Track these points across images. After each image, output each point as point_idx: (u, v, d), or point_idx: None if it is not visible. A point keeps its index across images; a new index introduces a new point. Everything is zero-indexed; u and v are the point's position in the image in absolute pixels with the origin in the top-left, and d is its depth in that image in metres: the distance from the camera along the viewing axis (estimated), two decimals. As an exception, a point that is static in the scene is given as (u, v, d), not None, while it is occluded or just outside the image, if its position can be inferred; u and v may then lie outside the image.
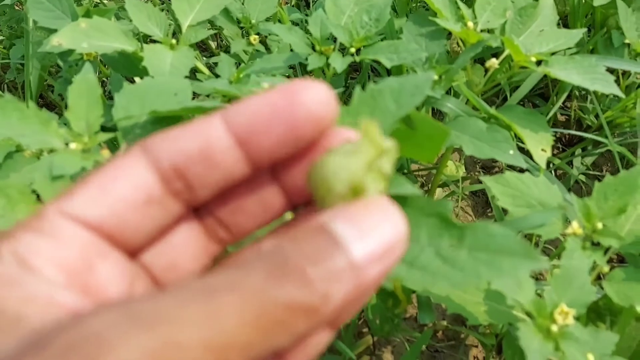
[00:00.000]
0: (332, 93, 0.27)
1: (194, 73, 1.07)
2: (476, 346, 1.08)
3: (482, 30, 0.94)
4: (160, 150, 0.26)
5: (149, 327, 0.20)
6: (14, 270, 0.23)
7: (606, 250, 0.78)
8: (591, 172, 1.34)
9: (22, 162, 0.78)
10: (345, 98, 1.25)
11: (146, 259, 0.29)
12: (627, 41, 1.16)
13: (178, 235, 0.29)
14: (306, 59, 0.91)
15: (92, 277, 0.25)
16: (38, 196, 0.60)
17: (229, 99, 0.81)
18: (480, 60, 1.25)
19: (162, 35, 0.90)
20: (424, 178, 1.33)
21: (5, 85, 1.47)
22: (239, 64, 1.00)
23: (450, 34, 1.03)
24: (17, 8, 1.46)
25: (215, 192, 0.28)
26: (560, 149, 1.40)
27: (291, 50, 0.95)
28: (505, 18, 0.94)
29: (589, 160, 1.35)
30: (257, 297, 0.21)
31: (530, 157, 0.94)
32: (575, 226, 0.77)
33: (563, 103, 1.37)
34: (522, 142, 0.91)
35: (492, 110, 0.88)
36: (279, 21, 1.22)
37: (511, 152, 0.83)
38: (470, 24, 0.92)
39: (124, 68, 0.94)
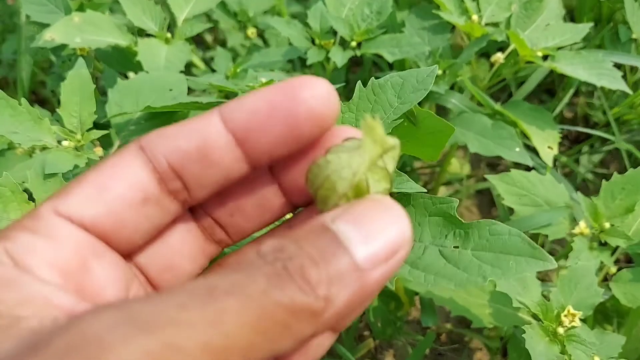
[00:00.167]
0: (333, 90, 0.26)
1: (189, 68, 1.05)
2: (480, 349, 1.07)
3: (487, 24, 0.92)
4: (156, 149, 0.26)
5: (149, 329, 0.20)
6: (9, 271, 0.23)
7: (613, 250, 0.77)
8: (598, 170, 1.32)
9: (14, 160, 0.78)
10: (346, 93, 1.24)
11: (142, 259, 0.29)
12: (634, 36, 1.15)
13: (175, 236, 0.29)
14: (305, 53, 0.89)
15: (87, 278, 0.25)
16: (30, 195, 0.59)
17: (225, 94, 0.79)
18: (485, 54, 1.23)
19: (157, 29, 0.88)
20: (428, 176, 1.32)
21: (-2, 81, 1.46)
22: (236, 59, 0.99)
23: (453, 27, 1.02)
24: (9, 2, 1.45)
25: (212, 192, 0.28)
26: (567, 147, 1.39)
27: (290, 44, 0.94)
28: (511, 11, 0.93)
29: (596, 157, 1.34)
30: (258, 299, 0.21)
31: (536, 154, 0.93)
32: (582, 226, 0.76)
33: (570, 99, 1.35)
34: (528, 139, 0.90)
35: (498, 107, 0.86)
36: (278, 14, 1.20)
37: (517, 149, 0.82)
38: (474, 17, 0.90)
39: (117, 63, 0.92)
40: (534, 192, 0.79)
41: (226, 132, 0.26)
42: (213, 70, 0.93)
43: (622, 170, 0.90)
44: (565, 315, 0.65)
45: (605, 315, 0.83)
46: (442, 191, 1.26)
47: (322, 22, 0.90)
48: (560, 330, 0.65)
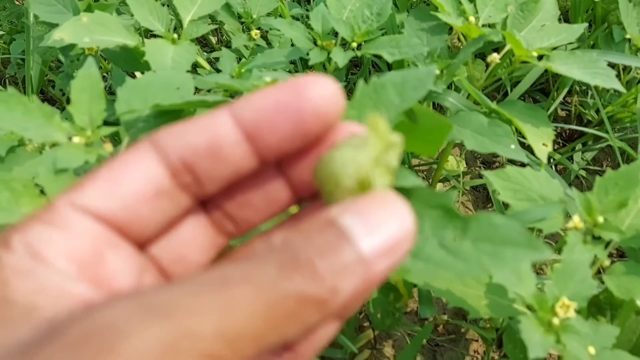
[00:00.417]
0: (338, 87, 0.27)
1: (194, 68, 1.07)
2: (476, 340, 1.08)
3: (483, 25, 0.94)
4: (169, 144, 0.27)
5: (163, 317, 0.20)
6: (26, 261, 0.24)
7: (607, 244, 0.78)
8: (591, 167, 1.34)
9: (25, 157, 0.78)
10: (346, 93, 1.25)
11: (155, 251, 0.29)
12: (627, 36, 1.17)
13: (186, 228, 0.30)
14: (307, 53, 0.91)
15: (102, 269, 0.25)
16: (42, 190, 0.60)
17: (231, 93, 0.81)
18: (481, 55, 1.25)
19: (164, 30, 0.90)
20: (425, 173, 1.33)
21: (6, 81, 1.47)
22: (240, 59, 1.00)
23: (451, 28, 1.03)
24: (17, 3, 1.46)
25: (223, 186, 0.28)
26: (561, 144, 1.41)
27: (292, 45, 0.95)
28: (507, 13, 0.95)
29: (589, 155, 1.35)
30: (268, 289, 0.22)
31: (531, 152, 0.94)
32: (576, 220, 0.77)
33: (564, 98, 1.37)
34: (523, 137, 0.91)
35: (494, 105, 0.88)
36: (280, 16, 1.21)
37: (512, 146, 0.83)
38: (471, 18, 0.92)
39: (125, 63, 0.94)
40: (529, 188, 0.81)
41: (236, 129, 0.27)
42: (218, 71, 0.95)
43: (615, 167, 0.92)
44: (560, 307, 0.65)
45: (598, 307, 0.83)
46: (439, 187, 1.28)
47: (323, 24, 0.91)
48: (555, 321, 0.65)
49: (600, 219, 0.77)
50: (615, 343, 0.68)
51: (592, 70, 0.85)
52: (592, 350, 0.65)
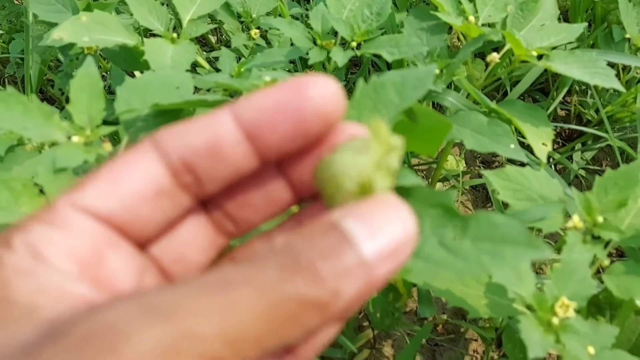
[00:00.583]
0: (339, 87, 0.27)
1: (194, 68, 1.07)
2: (476, 340, 1.08)
3: (483, 25, 0.94)
4: (169, 144, 0.27)
5: (165, 318, 0.20)
6: (27, 261, 0.24)
7: (606, 243, 0.78)
8: (591, 167, 1.34)
9: (24, 156, 0.78)
10: (345, 93, 1.25)
11: (155, 251, 0.29)
12: (627, 36, 1.17)
13: (186, 228, 0.30)
14: (307, 53, 0.91)
15: (102, 269, 0.26)
16: (41, 189, 0.60)
17: (230, 93, 0.81)
18: (480, 54, 1.25)
19: (163, 29, 0.90)
20: (424, 172, 1.33)
21: (5, 80, 1.47)
22: (240, 59, 1.00)
23: (450, 28, 1.03)
24: (16, 2, 1.46)
25: (223, 186, 0.28)
26: (560, 144, 1.41)
27: (292, 44, 0.95)
28: (507, 12, 0.95)
29: (588, 155, 1.35)
30: (270, 291, 0.22)
31: (530, 152, 0.94)
32: (576, 220, 0.77)
33: (563, 98, 1.37)
34: (523, 137, 0.91)
35: (493, 105, 0.88)
36: (280, 15, 1.21)
37: (512, 146, 0.83)
38: (471, 18, 0.92)
39: (124, 62, 0.94)
40: (529, 187, 0.81)
41: (236, 129, 0.27)
42: (217, 70, 0.95)
43: (614, 167, 0.92)
44: (559, 306, 0.65)
45: (598, 307, 0.83)
46: (438, 187, 1.28)
47: (323, 23, 0.91)
48: (555, 320, 0.65)
49: (600, 219, 0.77)
50: (614, 343, 0.68)
51: (591, 69, 0.85)
52: (591, 350, 0.65)
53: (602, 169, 1.34)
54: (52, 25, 0.91)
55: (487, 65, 0.95)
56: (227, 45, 1.35)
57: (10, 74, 1.46)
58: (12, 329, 0.22)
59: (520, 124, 0.87)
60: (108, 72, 1.26)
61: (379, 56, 1.02)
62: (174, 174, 0.27)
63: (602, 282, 0.78)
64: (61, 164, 0.62)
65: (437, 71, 0.89)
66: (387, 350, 1.05)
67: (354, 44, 0.91)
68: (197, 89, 0.89)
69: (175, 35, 0.89)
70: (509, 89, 1.31)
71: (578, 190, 0.80)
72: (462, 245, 0.30)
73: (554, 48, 0.92)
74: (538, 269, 1.13)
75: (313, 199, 0.31)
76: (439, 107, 1.31)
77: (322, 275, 0.22)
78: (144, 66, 0.86)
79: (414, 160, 1.26)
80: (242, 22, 1.18)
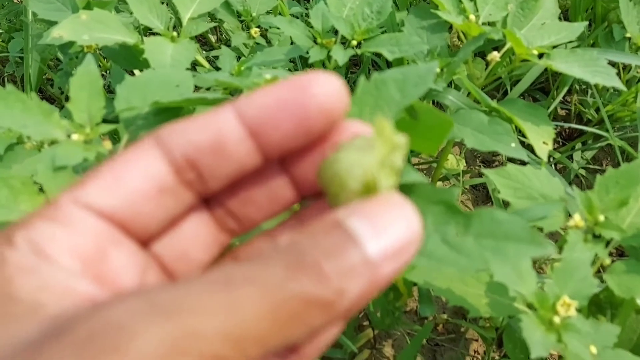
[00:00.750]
0: (342, 85, 0.27)
1: (194, 67, 1.06)
2: (476, 340, 1.08)
3: (483, 23, 0.94)
4: (172, 141, 0.27)
5: (169, 316, 0.20)
6: (30, 258, 0.24)
7: (607, 242, 0.78)
8: (591, 166, 1.34)
9: (23, 155, 0.78)
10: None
11: (157, 248, 0.29)
12: (628, 35, 1.17)
13: (189, 226, 0.30)
14: (307, 52, 0.91)
15: (105, 266, 0.25)
16: (40, 187, 0.60)
17: (230, 91, 0.81)
18: (480, 54, 1.25)
19: (163, 27, 0.89)
20: (425, 172, 1.33)
21: (5, 79, 1.47)
22: (240, 58, 1.00)
23: (451, 27, 1.03)
24: (15, 1, 1.46)
25: (226, 183, 0.28)
26: (561, 143, 1.41)
27: (292, 43, 0.95)
28: (507, 11, 0.94)
29: (589, 154, 1.35)
30: (274, 290, 0.21)
31: (530, 151, 0.94)
32: (577, 219, 0.77)
33: (563, 97, 1.37)
34: (523, 136, 0.91)
35: (494, 103, 0.87)
36: (280, 14, 1.21)
37: (513, 144, 0.83)
38: (472, 16, 0.92)
39: (124, 60, 0.93)
40: (530, 186, 0.80)
41: (240, 126, 0.26)
42: (217, 69, 0.95)
43: (614, 166, 0.91)
44: (561, 305, 0.65)
45: (599, 307, 0.83)
46: (439, 186, 1.28)
47: (323, 22, 0.91)
48: (556, 319, 0.65)
49: (601, 218, 0.77)
50: (616, 342, 0.67)
51: (592, 68, 0.85)
52: (593, 349, 0.64)
53: (603, 169, 1.34)
54: (52, 23, 0.91)
55: (487, 64, 0.95)
56: (227, 44, 1.35)
57: (9, 73, 1.46)
58: (16, 326, 0.21)
59: (521, 123, 0.87)
60: (108, 71, 1.26)
61: (379, 55, 1.02)
62: (176, 171, 0.27)
63: (602, 281, 0.78)
64: (61, 162, 0.62)
65: (438, 70, 0.89)
66: (388, 350, 1.05)
67: (354, 42, 0.91)
68: (196, 88, 0.89)
69: (175, 33, 0.89)
70: (509, 88, 1.31)
71: (579, 189, 0.80)
72: (465, 242, 0.30)
73: (554, 47, 0.92)
74: (538, 268, 1.13)
75: (315, 197, 0.31)
76: (439, 106, 1.30)
77: (327, 274, 0.22)
78: (144, 65, 0.85)
79: (414, 160, 1.26)
80: (242, 21, 1.18)
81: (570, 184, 1.17)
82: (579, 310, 0.66)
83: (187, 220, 0.29)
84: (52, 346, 0.20)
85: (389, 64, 1.21)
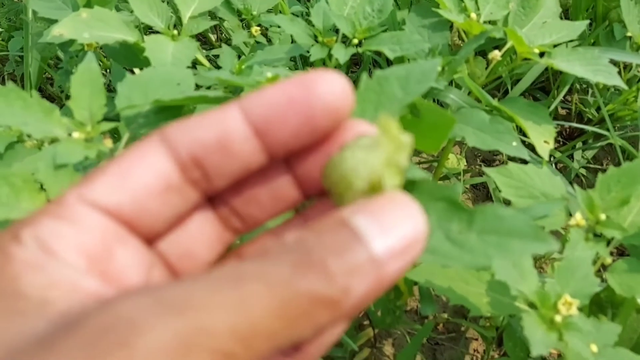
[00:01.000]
0: (347, 84, 0.27)
1: (194, 65, 1.06)
2: (476, 339, 1.08)
3: (485, 22, 0.93)
4: (178, 139, 0.27)
5: (179, 312, 0.20)
6: (36, 255, 0.24)
7: (609, 241, 0.78)
8: (592, 166, 1.34)
9: (24, 153, 0.78)
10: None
11: (162, 246, 0.29)
12: (628, 34, 1.17)
13: (194, 224, 0.30)
14: (308, 50, 0.91)
15: (111, 263, 0.26)
16: (41, 185, 0.60)
17: (231, 90, 0.81)
18: (481, 53, 1.25)
19: (164, 26, 0.89)
20: (425, 171, 1.33)
21: (4, 78, 1.47)
22: (240, 56, 1.00)
23: (451, 27, 1.03)
24: (15, 0, 1.46)
25: (231, 181, 0.28)
26: (561, 143, 1.41)
27: (293, 41, 0.95)
28: (508, 10, 0.94)
29: (589, 153, 1.35)
30: (282, 287, 0.21)
31: (532, 150, 0.94)
32: (578, 217, 0.77)
33: (564, 96, 1.37)
34: (524, 135, 0.91)
35: (495, 102, 0.87)
36: (280, 13, 1.21)
37: (514, 143, 0.82)
38: (473, 15, 0.92)
39: (125, 59, 0.93)
40: (531, 185, 0.80)
41: (245, 124, 0.27)
42: (218, 68, 0.94)
43: (615, 166, 0.91)
44: (562, 304, 0.65)
45: (599, 306, 0.83)
46: (440, 185, 1.28)
47: (324, 20, 0.91)
48: (558, 318, 0.65)
49: (603, 217, 0.77)
50: (616, 341, 0.67)
51: (594, 67, 0.85)
52: (594, 348, 0.64)
53: (603, 168, 1.34)
54: (52, 22, 0.91)
55: (488, 63, 0.95)
56: (227, 43, 1.35)
57: (9, 72, 1.46)
58: (24, 321, 0.22)
59: (523, 122, 0.87)
60: (108, 70, 1.26)
61: (379, 54, 1.02)
62: (182, 169, 0.27)
63: (603, 280, 0.78)
64: (62, 160, 0.62)
65: (439, 68, 0.88)
66: (388, 349, 1.05)
67: (355, 41, 0.90)
68: (197, 87, 0.88)
69: (175, 32, 0.89)
70: (509, 88, 1.31)
71: (579, 188, 0.80)
72: (469, 238, 0.30)
73: (555, 46, 0.92)
74: (539, 268, 1.13)
75: (320, 196, 0.31)
76: (440, 105, 1.30)
77: (333, 273, 0.22)
78: (144, 63, 0.85)
79: (415, 158, 1.26)
80: (242, 20, 1.18)
81: (570, 183, 1.17)
82: (580, 309, 0.66)
83: (192, 219, 0.30)
84: (62, 342, 0.20)
85: (389, 63, 1.21)
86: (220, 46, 1.29)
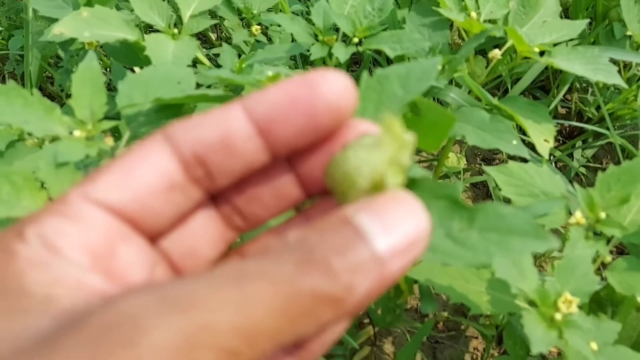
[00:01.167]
0: (350, 83, 0.27)
1: (194, 64, 1.06)
2: (476, 337, 1.09)
3: (485, 21, 0.94)
4: (181, 138, 0.27)
5: (183, 310, 0.20)
6: (40, 253, 0.24)
7: (608, 240, 0.78)
8: (591, 165, 1.34)
9: (24, 151, 0.78)
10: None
11: (165, 244, 0.29)
12: (628, 33, 1.17)
13: (196, 222, 0.30)
14: (308, 49, 0.91)
15: (115, 262, 0.26)
16: (42, 184, 0.60)
17: (231, 88, 0.81)
18: (481, 52, 1.25)
19: (164, 25, 0.89)
20: (425, 169, 1.33)
21: (5, 77, 1.47)
22: (240, 55, 1.00)
23: (451, 26, 1.03)
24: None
25: (234, 180, 0.28)
26: (561, 142, 1.41)
27: (293, 40, 0.95)
28: (509, 9, 0.94)
29: (589, 152, 1.36)
30: (285, 285, 0.22)
31: (532, 149, 0.94)
32: (578, 216, 0.77)
33: (564, 95, 1.37)
34: (524, 134, 0.91)
35: (495, 101, 0.87)
36: (281, 11, 1.21)
37: (514, 142, 0.83)
38: (473, 14, 0.92)
39: (125, 58, 0.93)
40: (531, 184, 0.80)
41: (249, 123, 0.27)
42: (218, 67, 0.94)
43: (615, 164, 0.92)
44: (562, 302, 0.65)
45: (599, 304, 0.83)
46: (440, 184, 1.28)
47: (325, 19, 0.91)
48: (558, 316, 0.65)
49: (602, 215, 0.77)
50: (616, 339, 0.67)
51: (594, 66, 0.85)
52: (594, 346, 0.65)
53: (603, 167, 1.34)
54: (53, 21, 0.91)
55: (488, 62, 0.95)
56: (228, 42, 1.35)
57: (9, 71, 1.46)
58: (28, 319, 0.22)
59: (523, 121, 0.87)
60: (108, 69, 1.26)
61: (380, 54, 1.02)
62: (185, 168, 0.27)
63: (603, 278, 0.78)
64: (63, 158, 0.62)
65: (439, 67, 0.88)
66: (388, 347, 1.05)
67: (355, 39, 0.90)
68: (198, 86, 0.88)
69: (176, 31, 0.89)
70: (510, 86, 1.31)
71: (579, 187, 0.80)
72: (469, 236, 0.30)
73: (555, 45, 0.92)
74: (539, 266, 1.13)
75: (322, 195, 0.31)
76: (440, 104, 1.30)
77: (336, 270, 0.22)
78: (145, 62, 0.85)
79: (415, 157, 1.26)
80: (242, 19, 1.18)
81: (570, 182, 1.17)
82: (580, 307, 0.66)
83: (194, 217, 0.30)
84: (66, 339, 0.20)
85: (389, 62, 1.21)
86: (220, 45, 1.29)
